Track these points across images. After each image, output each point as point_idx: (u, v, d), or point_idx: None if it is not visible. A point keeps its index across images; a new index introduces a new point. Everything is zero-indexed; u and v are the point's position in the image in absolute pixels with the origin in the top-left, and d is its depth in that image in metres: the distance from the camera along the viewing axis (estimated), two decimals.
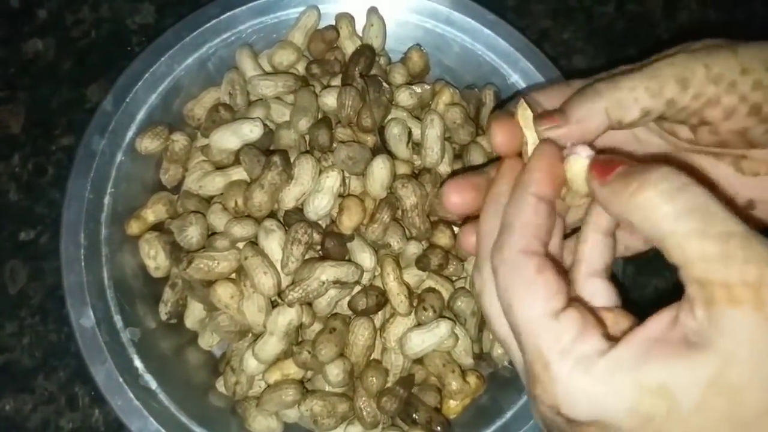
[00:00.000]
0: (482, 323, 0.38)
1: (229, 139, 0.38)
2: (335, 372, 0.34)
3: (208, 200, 0.39)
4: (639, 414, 0.17)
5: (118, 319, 0.37)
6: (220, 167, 0.39)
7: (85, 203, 0.38)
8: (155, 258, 0.38)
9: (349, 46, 0.42)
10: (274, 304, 0.36)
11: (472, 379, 0.37)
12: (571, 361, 0.18)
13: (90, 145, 0.39)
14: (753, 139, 0.22)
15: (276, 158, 0.35)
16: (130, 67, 0.40)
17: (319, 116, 0.40)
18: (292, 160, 0.37)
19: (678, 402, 0.17)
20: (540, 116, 0.22)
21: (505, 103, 0.43)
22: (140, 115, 0.40)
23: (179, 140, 0.40)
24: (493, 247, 0.21)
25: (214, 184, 0.38)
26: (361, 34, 0.43)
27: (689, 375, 0.17)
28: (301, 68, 0.42)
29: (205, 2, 0.42)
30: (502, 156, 0.24)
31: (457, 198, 0.24)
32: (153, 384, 0.36)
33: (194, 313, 0.39)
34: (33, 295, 0.43)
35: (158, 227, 0.40)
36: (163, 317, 0.39)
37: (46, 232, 0.44)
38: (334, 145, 0.38)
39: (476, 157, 0.40)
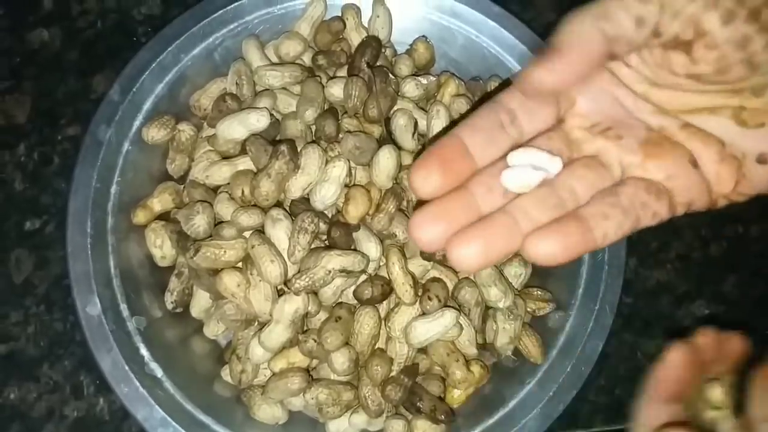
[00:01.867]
0: (486, 313, 0.38)
1: (235, 128, 0.38)
2: (341, 360, 0.34)
3: (215, 190, 0.39)
4: None
5: (124, 308, 0.37)
6: (226, 157, 0.40)
7: (92, 192, 0.38)
8: (161, 247, 0.38)
9: (355, 38, 0.42)
10: (280, 293, 0.36)
11: (475, 369, 0.37)
12: None
13: (96, 134, 0.39)
14: (753, 55, 0.20)
15: (283, 147, 0.35)
16: (137, 56, 0.40)
17: (326, 107, 0.40)
18: (298, 149, 0.37)
19: None
20: (534, 61, 0.20)
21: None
22: (147, 105, 0.40)
23: (185, 130, 0.40)
24: None
25: (221, 173, 0.38)
26: (367, 26, 0.43)
27: None
28: (307, 59, 0.42)
29: None
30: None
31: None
32: (159, 372, 0.36)
33: (200, 303, 0.39)
34: (38, 284, 0.43)
35: (164, 217, 0.40)
36: (169, 306, 0.39)
37: (52, 222, 0.45)
38: (341, 135, 0.38)
39: None
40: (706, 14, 0.20)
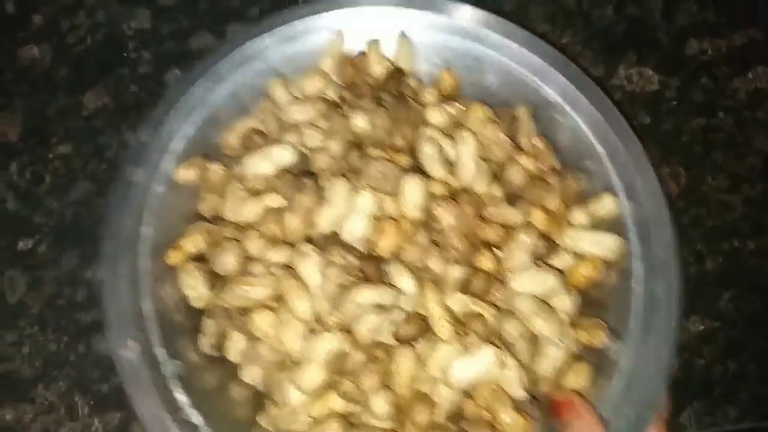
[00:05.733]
0: (534, 349, 0.36)
1: (261, 164, 0.38)
2: (380, 403, 0.33)
3: (245, 227, 0.39)
4: None
5: (160, 352, 0.36)
6: (255, 194, 0.39)
7: (124, 235, 0.38)
8: (195, 288, 0.38)
9: (378, 70, 0.42)
10: (313, 331, 0.35)
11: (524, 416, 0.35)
12: None
13: (127, 176, 0.39)
14: None
15: (306, 181, 0.35)
16: (164, 97, 0.41)
17: (351, 139, 0.39)
18: (324, 183, 0.37)
19: None
20: None
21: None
22: (176, 145, 0.40)
23: (215, 169, 0.40)
24: None
25: (250, 210, 0.38)
26: (390, 57, 0.43)
27: None
28: (331, 93, 0.42)
29: (200, 7, 0.41)
30: None
31: None
32: (197, 419, 0.35)
33: (236, 345, 0.38)
34: (32, 304, 0.43)
35: (198, 257, 0.40)
36: (205, 349, 0.38)
37: (44, 242, 0.44)
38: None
39: (515, 176, 0.38)
40: None
